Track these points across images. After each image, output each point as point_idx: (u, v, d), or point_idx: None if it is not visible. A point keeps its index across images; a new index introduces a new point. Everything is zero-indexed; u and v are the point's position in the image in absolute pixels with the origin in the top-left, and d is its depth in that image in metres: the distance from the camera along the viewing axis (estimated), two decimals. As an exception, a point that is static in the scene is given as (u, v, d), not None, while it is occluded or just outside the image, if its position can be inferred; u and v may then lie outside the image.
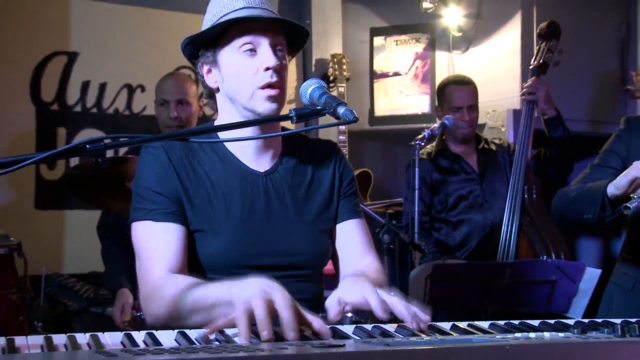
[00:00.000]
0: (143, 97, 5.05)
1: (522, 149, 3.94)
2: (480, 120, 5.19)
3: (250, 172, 1.91)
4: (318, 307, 1.88)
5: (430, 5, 5.31)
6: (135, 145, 1.43)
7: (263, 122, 1.80)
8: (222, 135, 1.90)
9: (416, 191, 3.62)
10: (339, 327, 1.47)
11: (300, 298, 1.78)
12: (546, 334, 1.33)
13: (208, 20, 1.89)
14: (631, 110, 5.54)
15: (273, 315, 1.38)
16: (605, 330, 1.32)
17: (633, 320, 1.35)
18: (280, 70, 1.83)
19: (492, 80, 5.20)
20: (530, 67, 4.16)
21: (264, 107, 1.83)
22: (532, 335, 1.32)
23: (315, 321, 1.43)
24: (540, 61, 4.11)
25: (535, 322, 1.52)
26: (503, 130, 5.15)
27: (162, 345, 1.26)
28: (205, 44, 1.89)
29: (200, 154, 1.91)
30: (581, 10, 5.36)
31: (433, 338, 1.33)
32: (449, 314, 3.65)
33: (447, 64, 5.57)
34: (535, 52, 4.19)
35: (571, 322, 1.49)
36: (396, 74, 5.73)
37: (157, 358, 0.94)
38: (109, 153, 4.04)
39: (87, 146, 1.30)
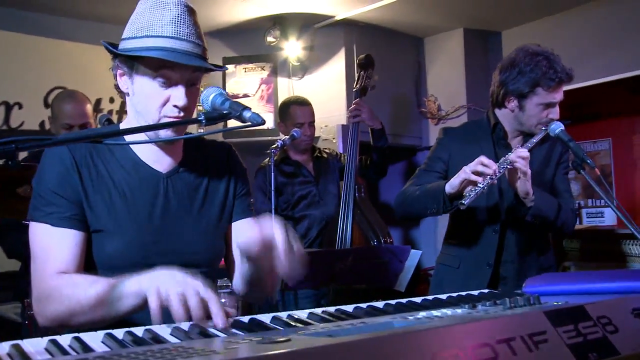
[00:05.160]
0: (21, 114, 4.57)
1: (351, 158, 3.89)
2: (316, 134, 5.13)
3: (152, 173, 1.61)
4: None
5: (274, 40, 5.18)
6: (44, 147, 1.12)
7: (171, 126, 1.50)
8: (129, 138, 1.58)
9: (272, 191, 3.45)
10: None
11: None
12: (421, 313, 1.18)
13: (134, 28, 1.51)
14: (424, 126, 5.71)
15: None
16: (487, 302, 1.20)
17: (518, 291, 1.22)
18: (187, 107, 1.54)
19: (324, 101, 5.13)
20: (354, 89, 4.14)
21: (166, 134, 1.55)
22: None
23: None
24: (361, 85, 4.09)
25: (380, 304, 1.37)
26: (334, 141, 5.11)
27: (91, 349, 0.96)
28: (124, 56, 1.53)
29: (105, 153, 1.59)
30: (387, 49, 5.42)
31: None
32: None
33: (288, 88, 5.43)
34: (356, 78, 4.16)
35: (460, 296, 1.35)
36: (245, 95, 5.51)
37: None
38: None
39: (-4, 149, 0.99)
